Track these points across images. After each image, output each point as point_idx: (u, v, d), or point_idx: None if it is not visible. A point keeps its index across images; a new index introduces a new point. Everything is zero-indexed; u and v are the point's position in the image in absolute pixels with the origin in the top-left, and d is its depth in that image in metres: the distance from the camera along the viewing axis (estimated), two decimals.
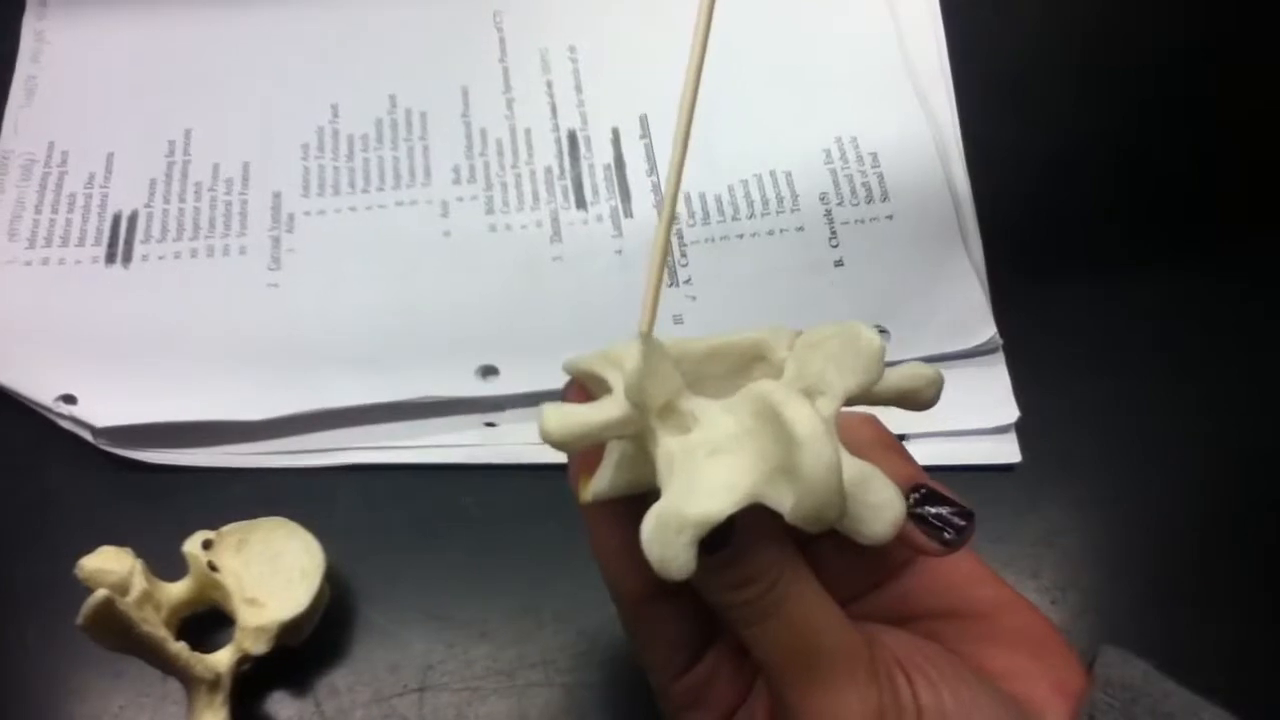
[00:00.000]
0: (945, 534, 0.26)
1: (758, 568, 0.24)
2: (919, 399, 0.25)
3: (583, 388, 0.26)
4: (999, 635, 0.28)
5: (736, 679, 0.28)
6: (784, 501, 0.22)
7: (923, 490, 0.26)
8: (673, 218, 0.24)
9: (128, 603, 0.33)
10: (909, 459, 0.27)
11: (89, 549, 0.35)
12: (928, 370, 0.25)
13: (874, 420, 0.28)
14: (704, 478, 0.23)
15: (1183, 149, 0.50)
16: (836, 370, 0.24)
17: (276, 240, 0.47)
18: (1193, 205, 0.49)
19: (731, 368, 0.25)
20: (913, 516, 0.26)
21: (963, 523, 0.26)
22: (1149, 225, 0.48)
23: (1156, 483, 0.42)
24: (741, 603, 0.24)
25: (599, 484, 0.25)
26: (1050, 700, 0.26)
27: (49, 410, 0.41)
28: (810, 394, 0.24)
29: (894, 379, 0.25)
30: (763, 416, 0.22)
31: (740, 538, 0.23)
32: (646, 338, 0.23)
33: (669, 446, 0.23)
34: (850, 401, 0.24)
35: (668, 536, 0.22)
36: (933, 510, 0.26)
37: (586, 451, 0.26)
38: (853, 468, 0.23)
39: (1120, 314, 0.46)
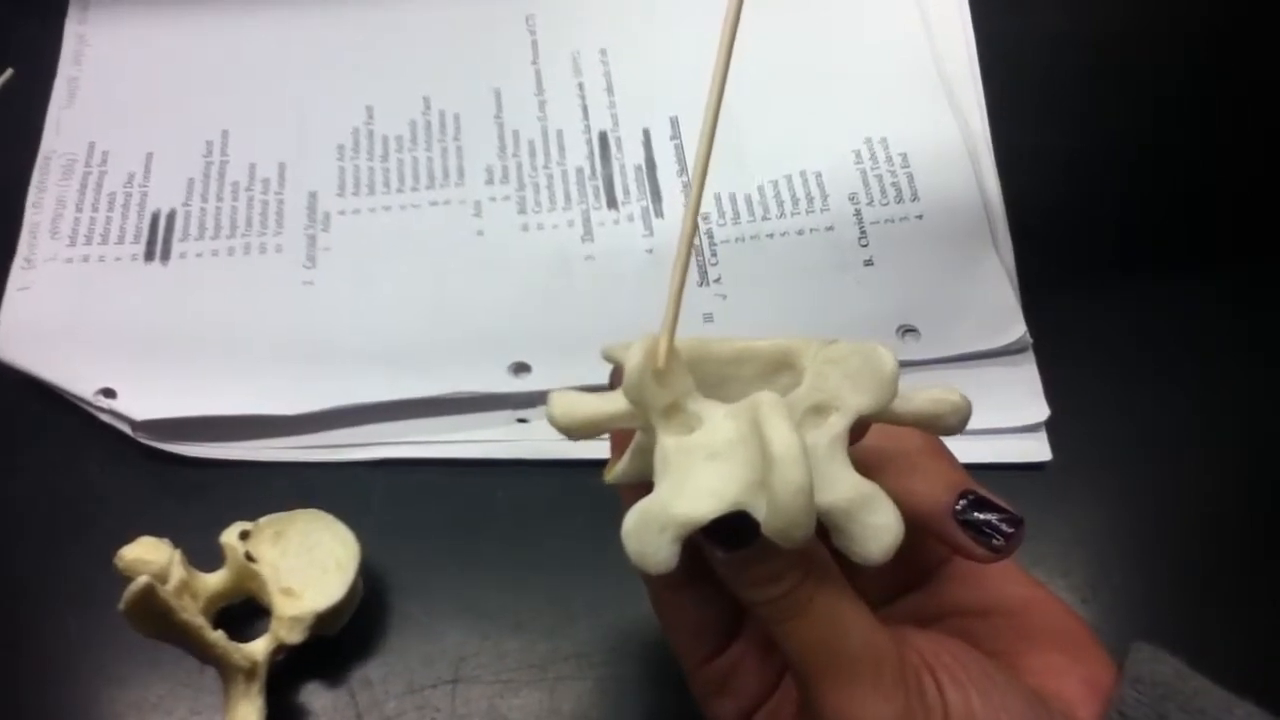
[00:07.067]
0: (994, 540, 0.26)
1: (782, 566, 0.24)
2: (941, 424, 0.25)
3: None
4: (1030, 632, 0.28)
5: (762, 672, 0.28)
6: (761, 514, 0.22)
7: (971, 496, 0.26)
8: (695, 222, 0.24)
9: (167, 590, 0.33)
10: (957, 465, 0.27)
11: (128, 540, 0.36)
12: (953, 397, 0.25)
13: None
14: (694, 480, 0.23)
15: (1212, 149, 0.50)
16: (852, 387, 0.24)
17: (312, 239, 0.47)
18: (1223, 205, 0.49)
19: (758, 372, 0.26)
20: (961, 522, 0.26)
21: (1011, 529, 0.26)
22: (1179, 225, 0.48)
23: (1187, 481, 0.42)
24: (768, 600, 0.24)
25: (618, 468, 0.26)
26: (1081, 696, 0.26)
27: (89, 404, 0.42)
28: (824, 408, 0.24)
29: (918, 402, 0.25)
30: (754, 427, 0.23)
31: (765, 537, 0.23)
32: (653, 338, 0.23)
33: (666, 445, 0.23)
34: (866, 420, 0.24)
35: (649, 532, 0.23)
36: (981, 516, 0.26)
37: (620, 434, 0.26)
38: (856, 487, 0.23)
39: (1150, 312, 0.46)
